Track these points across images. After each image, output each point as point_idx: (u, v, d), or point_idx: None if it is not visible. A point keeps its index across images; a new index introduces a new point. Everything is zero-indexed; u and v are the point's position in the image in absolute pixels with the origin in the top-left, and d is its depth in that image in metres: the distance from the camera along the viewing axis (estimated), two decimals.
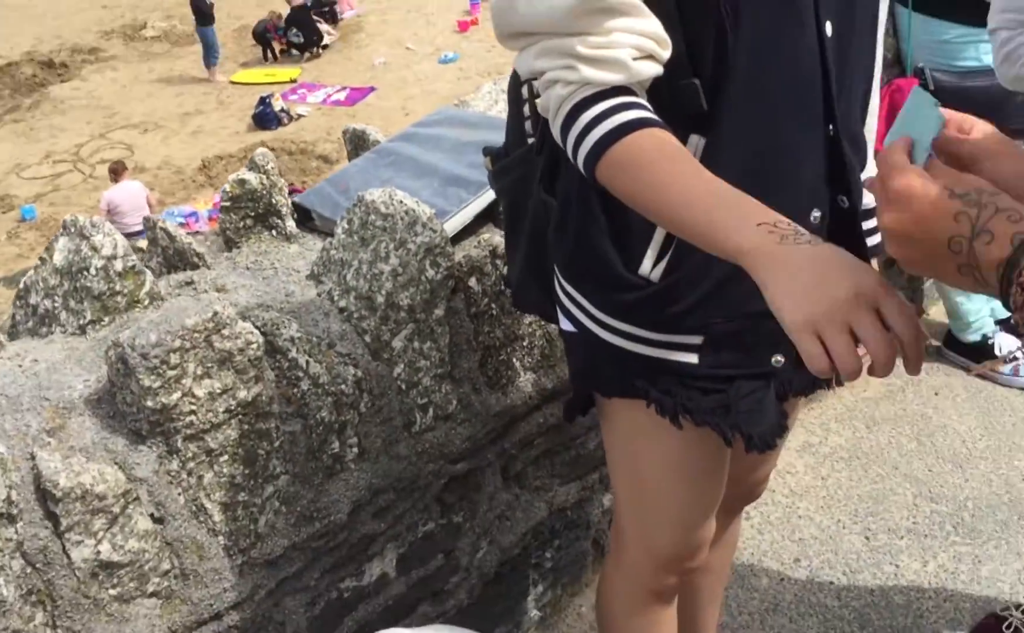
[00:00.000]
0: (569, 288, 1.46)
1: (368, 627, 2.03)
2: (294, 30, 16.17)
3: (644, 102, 1.22)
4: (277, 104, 13.75)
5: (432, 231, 1.77)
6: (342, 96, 14.35)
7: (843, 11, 1.29)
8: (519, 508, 2.28)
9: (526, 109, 1.49)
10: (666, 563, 1.65)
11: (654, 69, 1.22)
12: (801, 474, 2.93)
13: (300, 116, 13.85)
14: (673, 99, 1.26)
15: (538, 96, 1.28)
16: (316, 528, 1.84)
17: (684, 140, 1.26)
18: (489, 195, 1.95)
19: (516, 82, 1.51)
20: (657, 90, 1.24)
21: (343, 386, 1.78)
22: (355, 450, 1.85)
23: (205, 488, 1.70)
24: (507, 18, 1.21)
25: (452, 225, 1.88)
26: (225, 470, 1.70)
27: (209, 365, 1.62)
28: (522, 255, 1.58)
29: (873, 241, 1.46)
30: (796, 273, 1.00)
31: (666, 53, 1.22)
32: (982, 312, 3.29)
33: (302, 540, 1.83)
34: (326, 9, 16.83)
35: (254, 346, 1.64)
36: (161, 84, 15.98)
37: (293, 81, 15.20)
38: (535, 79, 1.25)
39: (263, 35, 16.45)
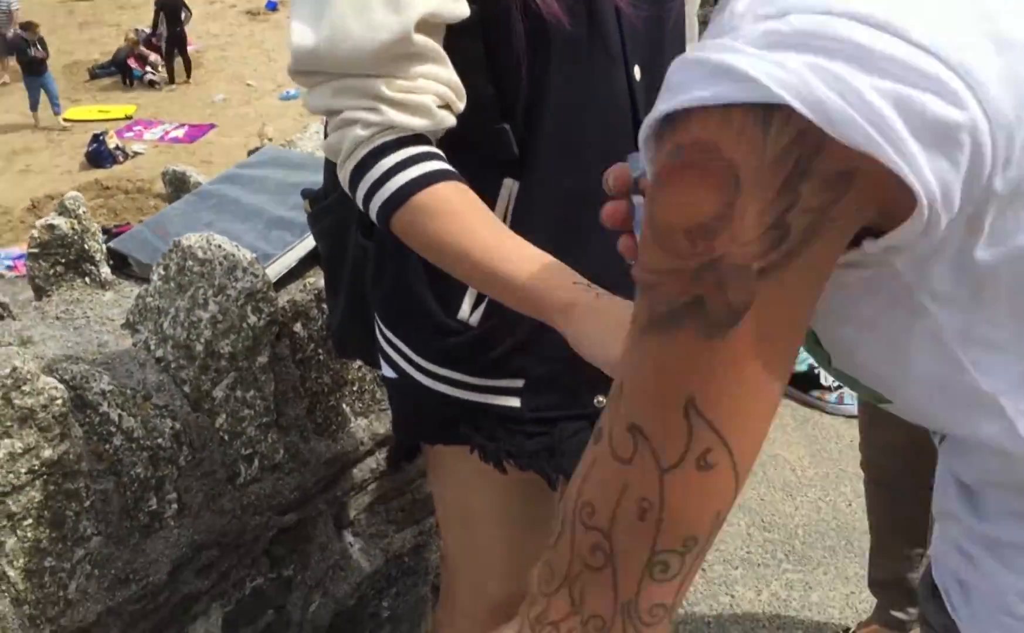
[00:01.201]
0: (389, 334, 1.43)
1: None
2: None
3: (440, 153, 1.20)
4: (112, 141, 13.31)
5: (253, 276, 1.71)
6: (180, 133, 14.00)
7: (652, 56, 1.30)
8: (353, 557, 2.22)
9: (324, 152, 1.45)
10: (497, 608, 1.62)
11: (451, 120, 1.21)
12: None
13: (136, 153, 13.44)
14: (485, 143, 1.25)
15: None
16: (133, 590, 1.73)
17: (498, 184, 1.25)
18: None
19: None
20: (469, 133, 1.23)
21: (160, 440, 1.69)
22: (175, 506, 1.76)
23: (7, 555, 1.58)
24: (305, 57, 1.16)
25: (275, 269, 1.82)
26: (29, 534, 1.59)
27: (8, 424, 1.51)
28: (343, 300, 1.53)
29: None
30: (621, 319, 1.02)
31: (462, 104, 1.22)
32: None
33: (117, 604, 1.72)
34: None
35: (58, 402, 1.55)
36: None
37: (128, 118, 14.75)
38: (328, 116, 1.21)
39: (123, 63, 16.04)
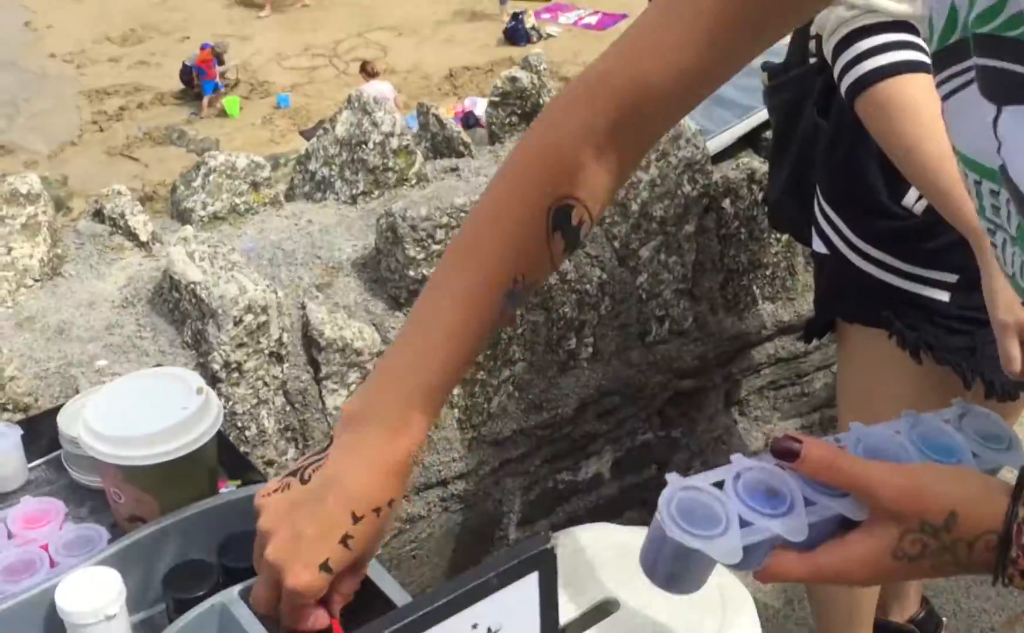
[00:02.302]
0: (828, 210, 1.47)
1: (575, 521, 2.11)
2: None
3: (923, 44, 1.21)
4: (529, 21, 13.88)
5: (695, 147, 1.81)
6: (593, 20, 14.34)
7: None
8: (736, 435, 2.31)
9: (812, 28, 1.49)
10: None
11: None
12: None
13: (550, 35, 13.95)
14: None
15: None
16: (543, 418, 1.92)
17: None
18: (753, 120, 1.96)
19: None
20: None
21: (588, 286, 1.84)
22: (590, 350, 1.92)
23: None
24: None
25: (714, 144, 1.90)
26: None
27: None
28: (786, 174, 1.59)
29: None
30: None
31: None
32: None
33: (529, 427, 1.92)
34: None
35: None
36: None
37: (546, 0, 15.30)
38: None
39: None
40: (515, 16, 13.82)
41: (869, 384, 1.57)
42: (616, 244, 1.88)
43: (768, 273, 2.07)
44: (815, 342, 2.13)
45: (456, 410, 1.85)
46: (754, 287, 2.08)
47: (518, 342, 1.84)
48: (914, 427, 0.80)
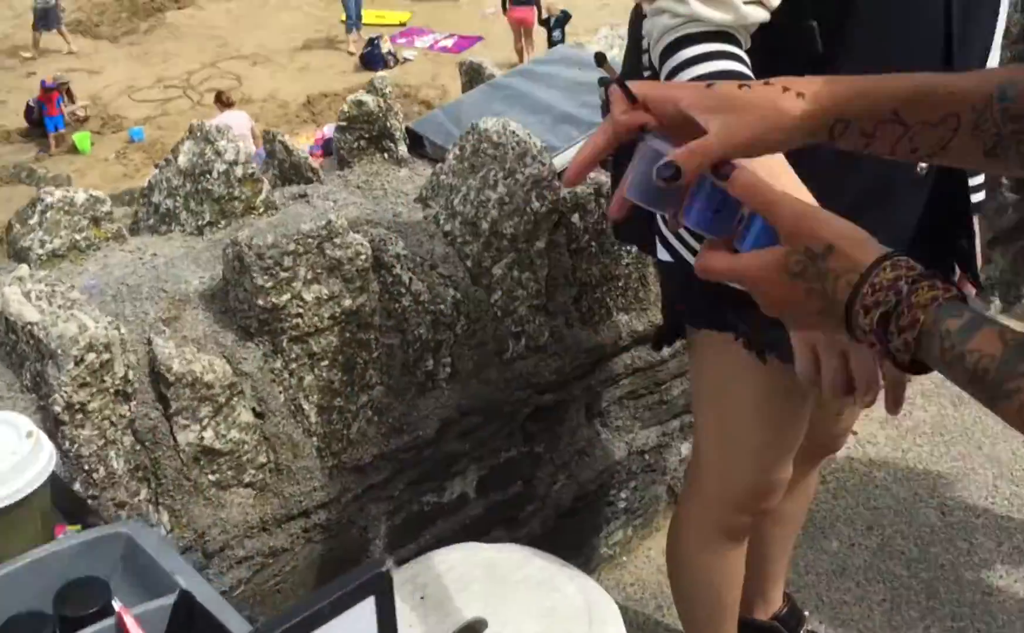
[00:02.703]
0: (659, 218, 1.50)
1: (443, 542, 2.10)
2: None
3: (743, 55, 1.25)
4: (385, 46, 13.88)
5: (541, 163, 1.83)
6: (450, 43, 14.44)
7: None
8: (599, 446, 2.34)
9: (645, 42, 1.52)
10: (741, 501, 1.69)
11: (761, 14, 1.25)
12: (882, 445, 2.93)
13: (407, 60, 13.97)
14: (791, 40, 1.28)
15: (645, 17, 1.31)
16: (405, 440, 1.91)
17: None
18: None
19: (638, 15, 1.55)
20: (777, 28, 1.27)
21: (442, 306, 1.84)
22: (448, 370, 1.92)
23: (304, 389, 1.78)
24: None
25: (560, 161, 1.93)
26: (325, 374, 1.78)
27: (319, 271, 1.70)
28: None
29: (977, 198, 1.51)
30: None
31: (775, 1, 1.25)
32: None
33: (390, 450, 1.91)
34: None
35: (363, 257, 1.72)
36: (274, 13, 16.19)
37: (403, 24, 15.31)
38: (646, 4, 1.28)
39: None
40: (371, 41, 13.83)
41: (720, 386, 1.61)
42: (469, 263, 1.89)
43: (621, 285, 2.11)
44: (668, 350, 2.18)
45: (315, 438, 1.82)
46: (608, 299, 2.11)
47: (374, 366, 1.83)
48: None
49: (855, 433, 2.85)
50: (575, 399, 2.20)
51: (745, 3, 1.23)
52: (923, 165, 1.41)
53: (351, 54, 14.33)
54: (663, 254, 1.55)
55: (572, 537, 2.43)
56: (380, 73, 13.00)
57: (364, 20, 15.03)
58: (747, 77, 1.22)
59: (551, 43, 11.95)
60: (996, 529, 2.63)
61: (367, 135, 2.09)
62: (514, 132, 1.79)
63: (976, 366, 0.75)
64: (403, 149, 2.12)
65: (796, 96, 0.94)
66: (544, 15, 13.62)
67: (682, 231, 1.48)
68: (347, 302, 1.75)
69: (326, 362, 1.78)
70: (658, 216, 1.54)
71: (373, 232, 1.84)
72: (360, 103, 2.05)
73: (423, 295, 1.82)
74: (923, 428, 3.03)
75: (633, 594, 2.51)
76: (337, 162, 2.15)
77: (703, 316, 1.53)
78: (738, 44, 1.25)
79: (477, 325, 1.92)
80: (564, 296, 2.02)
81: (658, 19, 1.26)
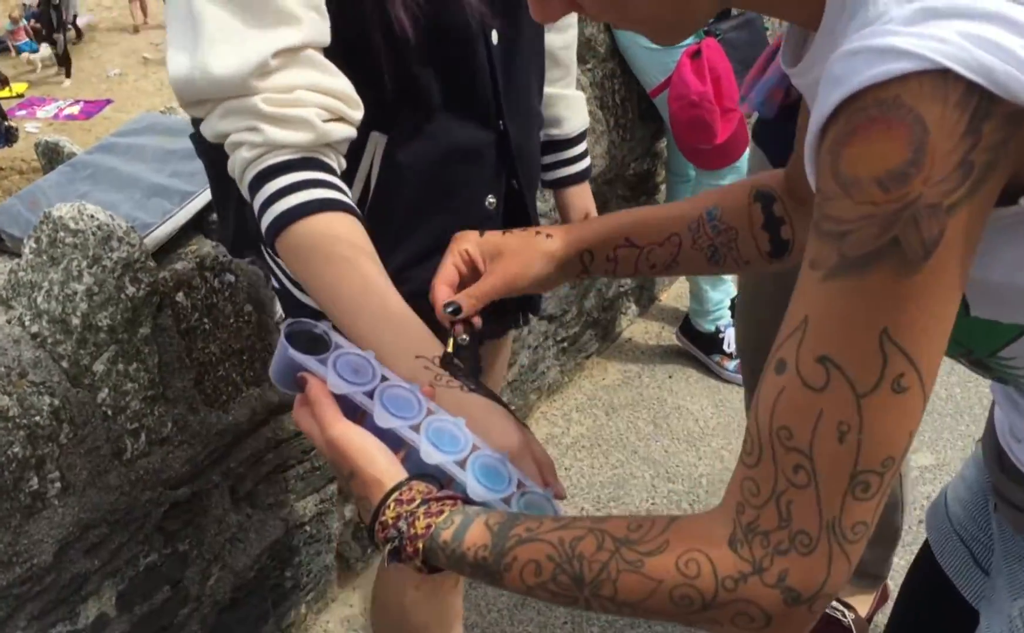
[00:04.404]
0: (266, 248, 1.47)
1: None
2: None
3: (334, 179, 1.18)
4: (3, 122, 12.85)
5: (130, 245, 1.66)
6: (75, 110, 13.58)
7: (508, 18, 1.37)
8: (252, 529, 2.19)
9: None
10: None
11: (346, 131, 1.20)
12: None
13: (30, 133, 13.00)
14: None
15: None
16: (17, 574, 1.69)
17: (366, 136, 1.25)
18: (195, 205, 1.86)
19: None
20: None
21: (37, 417, 1.64)
22: (58, 485, 1.71)
23: None
24: (187, 88, 1.14)
25: (154, 239, 1.77)
26: None
27: None
28: (233, 208, 1.54)
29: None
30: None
31: (358, 114, 1.21)
32: (722, 304, 3.43)
33: (2, 588, 1.68)
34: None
35: None
36: None
37: (20, 96, 14.26)
38: (220, 141, 1.18)
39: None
40: None
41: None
42: (65, 364, 1.69)
43: (245, 358, 1.98)
44: None
45: None
46: (234, 375, 1.97)
47: None
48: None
49: None
50: (216, 486, 2.05)
51: (325, 121, 1.15)
52: (492, 199, 1.48)
53: None
54: (273, 280, 1.54)
55: (240, 629, 2.26)
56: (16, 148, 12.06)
57: None
58: (343, 204, 1.16)
59: None
60: None
61: None
62: (92, 215, 1.62)
63: (476, 558, 0.87)
64: None
65: (547, 237, 1.17)
66: None
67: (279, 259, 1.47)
68: None
69: None
70: (263, 246, 1.51)
71: None
72: None
73: (12, 409, 1.61)
74: (582, 442, 3.11)
75: None
76: None
77: None
78: (325, 167, 1.17)
79: (85, 430, 1.72)
80: (182, 381, 1.86)
81: (236, 154, 1.16)
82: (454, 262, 1.16)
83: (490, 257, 1.16)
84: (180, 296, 1.81)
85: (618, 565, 0.79)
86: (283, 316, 1.85)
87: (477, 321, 1.13)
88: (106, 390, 1.74)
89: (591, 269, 1.19)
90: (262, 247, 1.51)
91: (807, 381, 0.70)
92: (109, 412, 1.76)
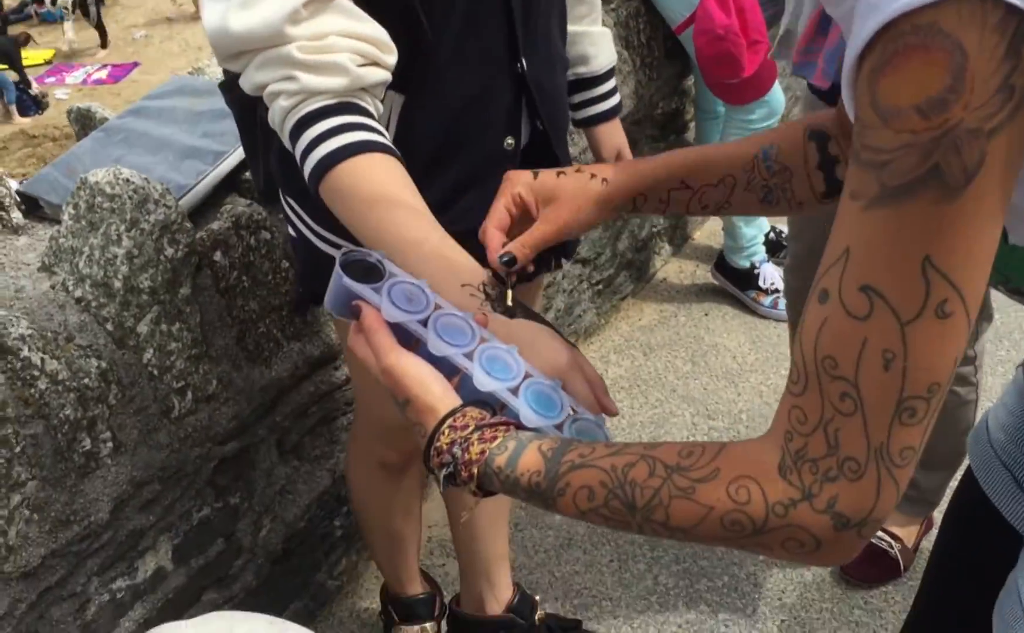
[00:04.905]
0: (287, 196, 1.51)
1: (149, 624, 1.94)
2: None
3: (371, 122, 1.19)
4: (34, 89, 12.94)
5: (166, 207, 1.69)
6: (103, 74, 13.63)
7: None
8: (300, 480, 2.23)
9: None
10: (386, 439, 1.85)
11: (380, 75, 1.20)
12: None
13: (60, 99, 13.08)
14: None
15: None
16: (75, 531, 1.73)
17: (381, 97, 1.27)
18: (228, 163, 1.87)
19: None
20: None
21: (86, 380, 1.68)
22: (110, 445, 1.75)
23: None
24: (223, 41, 1.15)
25: (189, 200, 1.80)
26: None
27: None
28: (260, 160, 1.58)
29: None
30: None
31: (391, 58, 1.22)
32: (756, 240, 3.42)
33: (61, 546, 1.72)
34: None
35: None
36: None
37: (48, 62, 14.33)
38: (259, 93, 1.20)
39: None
40: (17, 86, 12.83)
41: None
42: (109, 327, 1.72)
43: (284, 314, 2.00)
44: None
45: None
46: (274, 331, 2.00)
47: (20, 461, 1.64)
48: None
49: None
50: (263, 440, 2.08)
51: (359, 66, 1.17)
52: (511, 140, 1.49)
53: None
54: (290, 229, 1.58)
55: (293, 578, 2.32)
56: (34, 118, 12.14)
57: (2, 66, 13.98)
58: (382, 145, 1.17)
59: None
60: None
61: None
62: (128, 180, 1.64)
63: (529, 483, 0.88)
64: (18, 215, 1.92)
65: (601, 181, 1.16)
66: None
67: (298, 207, 1.52)
68: None
69: None
70: (281, 195, 1.59)
71: None
72: None
73: (61, 373, 1.65)
74: (621, 383, 3.12)
75: (368, 619, 2.43)
76: None
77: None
78: (362, 110, 1.18)
79: (133, 390, 1.76)
80: (224, 339, 1.89)
81: (275, 105, 1.18)
82: (506, 204, 1.15)
83: (544, 201, 1.15)
84: (218, 255, 1.84)
85: (670, 491, 0.80)
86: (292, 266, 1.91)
87: (530, 269, 1.15)
88: (151, 351, 1.77)
89: (641, 210, 1.19)
90: (280, 193, 1.55)
91: (850, 310, 0.70)
92: (155, 372, 1.79)
